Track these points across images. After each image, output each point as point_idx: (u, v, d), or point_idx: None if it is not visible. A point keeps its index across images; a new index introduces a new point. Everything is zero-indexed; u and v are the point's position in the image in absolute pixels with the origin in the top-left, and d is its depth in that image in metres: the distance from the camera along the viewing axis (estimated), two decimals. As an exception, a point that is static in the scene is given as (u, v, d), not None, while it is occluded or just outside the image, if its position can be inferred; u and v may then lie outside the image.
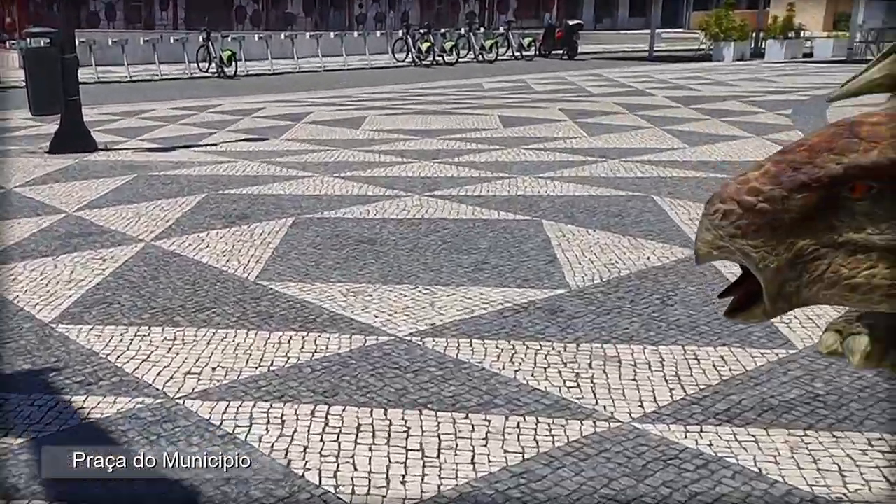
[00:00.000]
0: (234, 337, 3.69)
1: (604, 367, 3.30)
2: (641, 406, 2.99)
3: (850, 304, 2.27)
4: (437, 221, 5.67)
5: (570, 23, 26.06)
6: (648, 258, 4.72)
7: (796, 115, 10.71)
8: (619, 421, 2.88)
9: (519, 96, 14.08)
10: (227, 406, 3.04)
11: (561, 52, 24.87)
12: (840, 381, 3.18)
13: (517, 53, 24.38)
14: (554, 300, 4.08)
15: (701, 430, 2.82)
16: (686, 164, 7.54)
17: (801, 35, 23.77)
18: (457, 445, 2.75)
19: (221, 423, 2.92)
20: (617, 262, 4.65)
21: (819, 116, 10.04)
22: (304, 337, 3.67)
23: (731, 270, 4.45)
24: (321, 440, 2.80)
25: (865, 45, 21.69)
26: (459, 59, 22.99)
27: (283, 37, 23.28)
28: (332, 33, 25.02)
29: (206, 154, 8.74)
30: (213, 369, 3.36)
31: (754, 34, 24.83)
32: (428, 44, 22.71)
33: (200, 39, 20.69)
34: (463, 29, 25.19)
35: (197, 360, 3.44)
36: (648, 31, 26.40)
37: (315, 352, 3.52)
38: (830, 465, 2.62)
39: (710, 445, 2.73)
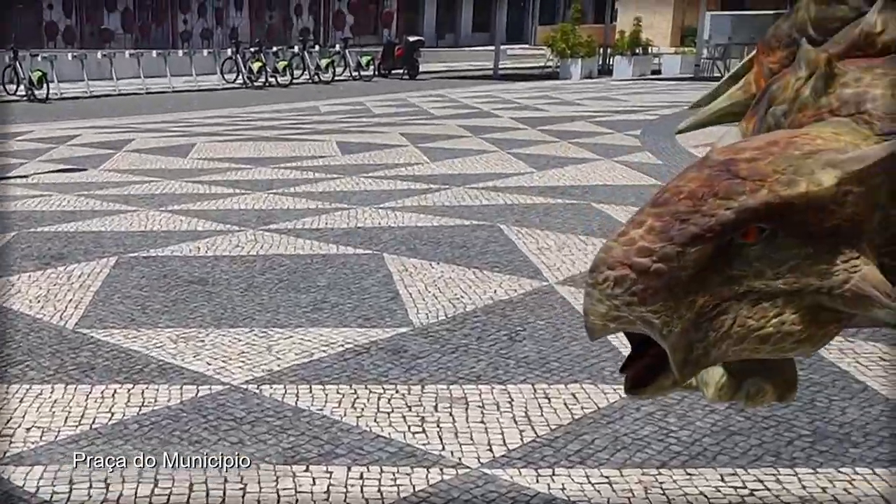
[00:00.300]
0: (52, 393, 3.60)
1: (450, 410, 3.40)
2: (490, 450, 3.10)
3: (762, 355, 2.25)
4: (272, 258, 5.67)
5: (411, 39, 26.38)
6: (495, 291, 4.88)
7: (645, 136, 11.23)
8: (468, 467, 2.98)
9: (358, 120, 14.19)
10: (44, 471, 2.96)
11: (401, 71, 25.17)
12: (693, 415, 3.37)
13: (355, 73, 24.49)
14: (397, 339, 4.17)
15: (553, 474, 2.94)
16: (533, 190, 7.81)
17: (649, 51, 24.89)
18: (296, 501, 2.78)
19: (37, 491, 2.84)
20: (462, 297, 4.79)
21: (668, 137, 10.54)
22: (129, 390, 3.61)
23: (580, 302, 4.68)
24: (149, 505, 2.77)
25: (712, 61, 22.85)
26: (294, 80, 22.91)
27: (100, 55, 22.57)
28: (154, 52, 24.41)
29: (15, 188, 8.39)
30: (28, 430, 3.26)
31: (602, 50, 25.76)
32: (259, 63, 22.52)
33: (6, 59, 19.77)
34: (297, 47, 25.09)
35: (9, 421, 3.33)
36: (493, 48, 27.00)
37: (142, 405, 3.47)
38: (684, 503, 2.78)
39: (563, 489, 2.85)
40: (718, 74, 21.93)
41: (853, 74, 2.38)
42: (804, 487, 2.85)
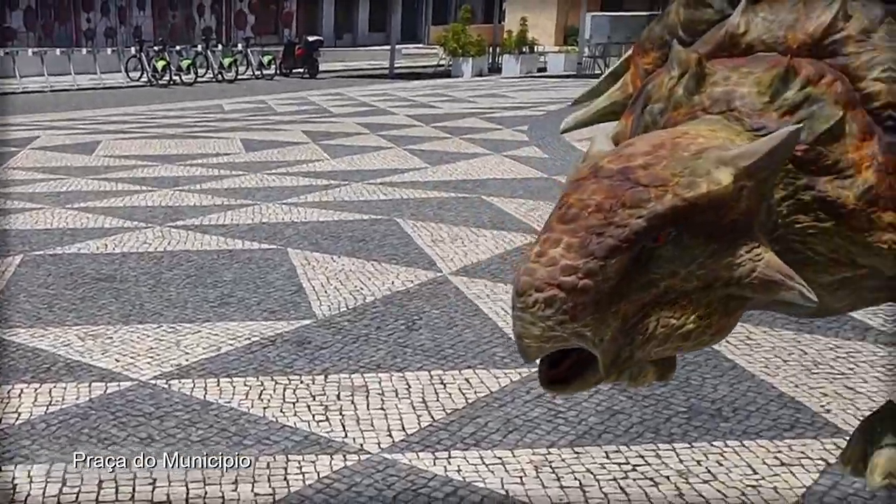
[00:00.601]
0: (-47, 396, 3.43)
1: (352, 398, 3.38)
2: (390, 435, 3.09)
3: (686, 350, 2.23)
4: (179, 254, 5.53)
5: (310, 39, 26.01)
6: (393, 283, 4.87)
7: (532, 131, 11.30)
8: (369, 452, 2.97)
9: (261, 118, 13.95)
10: (-52, 476, 2.82)
11: (302, 70, 24.82)
12: (579, 396, 3.38)
13: (258, 72, 24.08)
14: (301, 331, 4.12)
15: (449, 456, 2.95)
16: (428, 185, 7.81)
17: (535, 50, 25.01)
18: (206, 493, 2.72)
19: (-59, 496, 2.71)
20: (362, 289, 4.76)
21: (553, 132, 10.64)
22: (36, 389, 3.47)
23: (472, 291, 4.71)
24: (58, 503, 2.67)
25: (593, 59, 23.25)
26: (198, 79, 22.38)
27: (2, 53, 21.60)
28: (58, 50, 23.48)
29: (-90, 188, 7.97)
30: (-70, 435, 3.10)
31: (491, 49, 25.73)
32: (164, 62, 21.89)
33: None
34: (200, 46, 24.49)
35: None
36: (389, 47, 26.88)
37: (50, 404, 3.35)
38: (572, 480, 2.81)
39: (459, 471, 2.86)
40: (599, 71, 22.33)
41: (722, 73, 2.40)
42: (681, 461, 2.92)
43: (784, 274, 2.09)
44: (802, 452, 2.96)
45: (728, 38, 2.49)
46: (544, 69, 24.43)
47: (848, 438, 2.84)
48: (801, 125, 2.14)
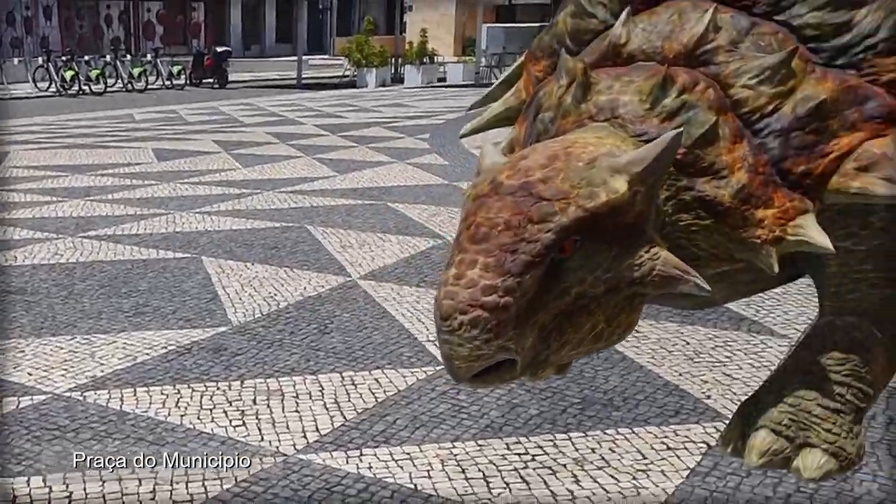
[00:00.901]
0: None
1: (268, 402, 3.35)
2: (305, 437, 3.07)
3: (598, 350, 2.27)
4: (92, 264, 5.36)
5: (219, 50, 25.44)
6: (305, 288, 4.83)
7: (433, 139, 11.33)
8: (285, 454, 2.94)
9: (172, 128, 13.61)
10: None
11: (211, 80, 24.28)
12: (480, 392, 3.41)
13: (167, 82, 23.46)
14: (217, 338, 4.05)
15: (361, 454, 2.94)
16: (336, 193, 7.76)
17: (435, 60, 25.08)
18: (124, 502, 2.65)
19: None
20: (276, 295, 4.71)
21: (453, 140, 10.69)
22: (-53, 406, 3.33)
23: (380, 294, 4.71)
24: (-26, 519, 2.57)
25: (490, 69, 23.39)
26: (108, 89, 21.66)
27: None
28: (-38, 60, 22.46)
29: None
30: None
31: (394, 60, 25.65)
32: (72, 72, 21.10)
33: None
34: (109, 56, 23.73)
35: None
36: (296, 58, 26.56)
37: (-39, 421, 3.20)
38: (476, 472, 2.83)
39: (370, 468, 2.85)
40: (495, 80, 22.47)
41: (606, 83, 2.43)
42: (577, 450, 2.97)
43: (681, 269, 2.16)
44: (687, 437, 3.05)
45: (611, 49, 2.54)
46: (444, 79, 24.50)
47: (727, 422, 2.97)
48: (680, 130, 2.20)
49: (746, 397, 2.94)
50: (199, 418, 3.21)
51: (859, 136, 2.37)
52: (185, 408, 3.29)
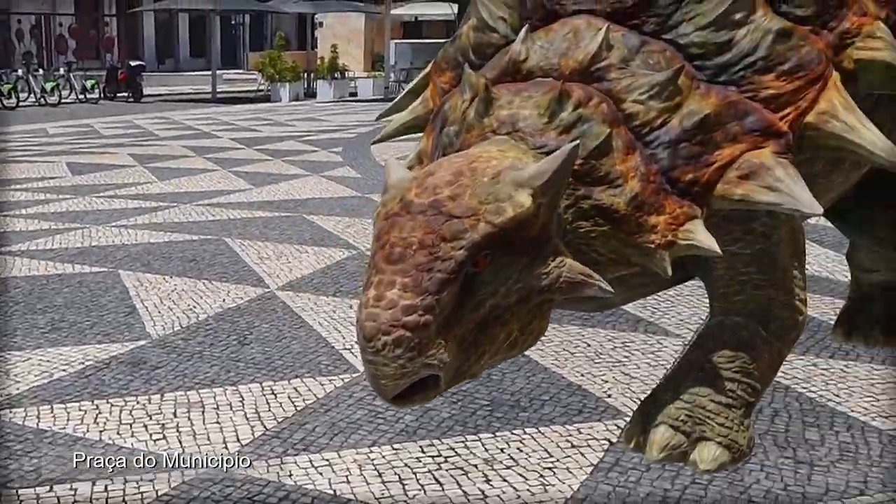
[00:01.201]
0: None
1: (188, 414, 3.26)
2: (226, 447, 3.00)
3: (514, 356, 2.28)
4: (7, 280, 5.13)
5: (133, 64, 24.63)
6: (224, 300, 4.73)
7: (346, 152, 11.20)
8: (206, 466, 2.86)
9: (86, 142, 13.11)
10: None
11: (126, 94, 23.50)
12: None
13: (81, 96, 22.56)
14: (136, 352, 3.92)
15: (281, 462, 2.89)
16: (253, 205, 7.61)
17: (346, 75, 24.80)
18: (44, 521, 2.54)
19: None
20: (195, 307, 4.59)
21: (365, 153, 10.64)
22: None
23: (298, 304, 4.64)
24: None
25: (398, 83, 23.25)
26: (20, 103, 20.69)
27: None
28: None
29: None
30: None
31: (306, 75, 25.24)
32: (-17, 87, 20.16)
33: None
34: (21, 70, 22.71)
35: None
36: (210, 72, 25.96)
37: None
38: (392, 476, 2.81)
39: (290, 475, 2.80)
40: (404, 95, 22.47)
41: (506, 98, 2.43)
42: (486, 450, 2.98)
43: (585, 274, 2.19)
44: (590, 434, 3.09)
45: (511, 65, 2.54)
46: (355, 93, 24.32)
47: (628, 419, 3.01)
48: (577, 142, 2.22)
49: (645, 395, 2.97)
50: (118, 433, 3.10)
51: (740, 148, 2.44)
52: (105, 423, 3.17)
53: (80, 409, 3.29)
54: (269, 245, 6.01)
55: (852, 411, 3.27)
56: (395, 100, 3.21)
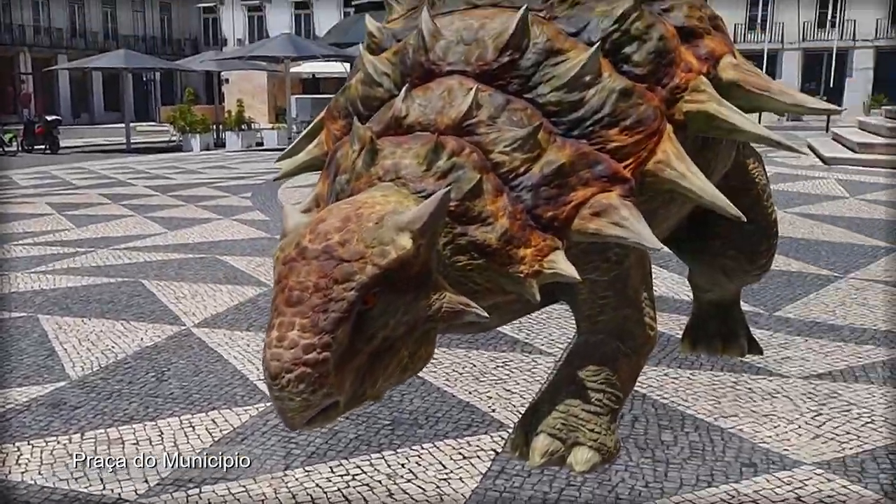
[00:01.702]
0: None
1: (108, 451, 3.08)
2: (146, 481, 2.86)
3: (407, 378, 2.23)
4: (-75, 330, 4.75)
5: (49, 119, 23.45)
6: (142, 339, 4.52)
7: (254, 197, 10.94)
8: (127, 501, 2.72)
9: (4, 192, 12.32)
10: None
11: (43, 146, 22.30)
12: None
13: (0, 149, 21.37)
14: (56, 394, 3.69)
15: (200, 492, 2.78)
16: (168, 248, 7.32)
17: (252, 127, 24.33)
18: (-33, 565, 2.35)
19: None
20: (113, 347, 4.37)
21: (272, 197, 10.41)
22: None
23: (213, 340, 4.49)
24: None
25: (299, 134, 23.09)
26: (-63, 156, 19.42)
27: None
28: None
29: None
30: None
31: (215, 126, 24.69)
32: None
33: None
34: (-62, 125, 21.27)
35: None
36: (123, 125, 25.05)
37: None
38: (305, 496, 2.75)
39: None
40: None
41: (390, 149, 2.44)
42: (389, 466, 2.96)
43: (463, 303, 2.22)
44: (479, 446, 3.11)
45: (394, 120, 2.58)
46: (262, 143, 23.85)
47: (511, 430, 3.07)
48: (450, 187, 2.25)
49: (525, 408, 3.03)
50: (40, 474, 2.90)
51: (592, 191, 2.53)
52: (26, 465, 2.97)
53: (1, 452, 3.06)
54: (184, 285, 5.80)
55: (699, 414, 3.39)
56: (293, 143, 3.21)
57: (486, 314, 2.24)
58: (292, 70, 26.34)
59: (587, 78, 2.57)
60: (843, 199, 9.42)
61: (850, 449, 3.05)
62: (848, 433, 3.19)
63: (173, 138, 23.77)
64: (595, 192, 2.52)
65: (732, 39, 3.20)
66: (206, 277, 6.07)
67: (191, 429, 3.30)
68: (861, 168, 12.35)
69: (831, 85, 35.18)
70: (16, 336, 4.59)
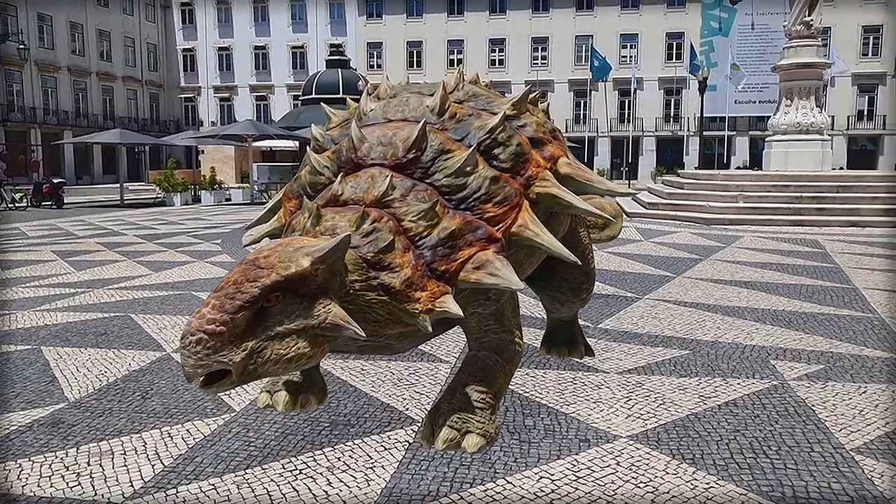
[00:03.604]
0: None
1: (100, 462, 2.81)
2: (132, 485, 2.61)
3: (291, 370, 2.22)
4: (-59, 363, 4.22)
5: (55, 181, 21.73)
6: (130, 364, 4.18)
7: (224, 243, 10.48)
8: (115, 503, 2.47)
9: (15, 242, 11.28)
10: None
11: (50, 203, 20.63)
12: (263, 427, 3.15)
13: (11, 206, 19.55)
14: (56, 414, 3.34)
15: (177, 492, 2.56)
16: (153, 287, 6.85)
17: (222, 187, 23.51)
18: (-29, 573, 2.06)
19: None
20: (106, 372, 4.01)
21: (238, 243, 10.03)
22: None
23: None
24: None
25: (261, 192, 22.61)
26: (-42, 211, 17.54)
27: None
28: None
29: None
30: None
31: (193, 186, 23.60)
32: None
33: None
34: (-41, 186, 19.23)
35: None
36: (118, 185, 23.50)
37: None
38: (262, 490, 2.58)
39: (185, 502, 2.49)
40: (264, 201, 21.63)
41: (330, 215, 2.50)
42: (328, 460, 2.83)
43: (345, 320, 2.24)
44: (397, 439, 3.02)
45: (333, 197, 2.63)
46: (230, 199, 23.01)
47: (420, 424, 3.01)
48: (349, 234, 2.30)
49: (431, 406, 3.00)
50: (38, 486, 2.60)
51: (474, 249, 2.59)
52: (26, 479, 2.66)
53: (3, 470, 2.73)
54: (166, 317, 5.43)
55: (550, 403, 3.42)
56: (260, 215, 3.19)
57: (361, 332, 2.23)
58: (254, 144, 25.66)
59: (469, 168, 2.64)
60: (640, 242, 9.92)
61: (651, 424, 3.14)
62: (649, 412, 3.28)
63: (159, 196, 22.59)
64: (477, 250, 2.58)
65: (564, 130, 3.38)
66: (183, 310, 5.70)
67: (169, 439, 3.05)
68: (651, 220, 13.18)
69: (630, 161, 38.04)
70: (21, 366, 4.15)
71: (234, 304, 2.00)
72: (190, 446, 2.96)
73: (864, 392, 3.57)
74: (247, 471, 2.73)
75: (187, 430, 3.14)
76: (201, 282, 7.13)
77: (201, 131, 37.08)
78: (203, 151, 31.34)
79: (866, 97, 37.40)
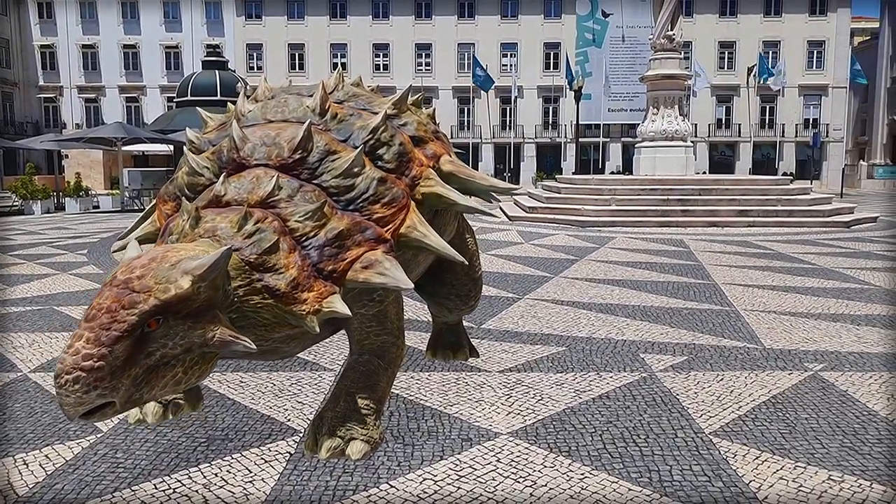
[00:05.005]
0: None
1: None
2: None
3: (180, 390, 2.11)
4: None
5: None
6: None
7: (91, 253, 9.61)
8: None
9: None
10: None
11: None
12: (133, 446, 2.98)
13: None
14: None
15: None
16: (7, 303, 6.08)
17: (90, 193, 21.45)
18: None
19: None
20: None
21: (106, 254, 9.23)
22: None
23: (48, 383, 3.84)
24: None
25: (132, 199, 20.96)
26: None
27: None
28: None
29: None
30: None
31: (56, 193, 21.36)
32: None
33: None
34: None
35: None
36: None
37: None
38: (228, 494, 2.47)
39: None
40: (136, 208, 20.13)
41: (210, 217, 2.43)
42: (205, 477, 2.73)
43: (233, 336, 2.19)
44: (277, 451, 2.96)
45: (215, 198, 2.56)
46: (98, 206, 21.06)
47: (303, 434, 2.99)
48: (230, 247, 2.23)
49: (314, 415, 2.97)
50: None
51: (362, 249, 2.63)
52: None
53: None
54: (21, 335, 4.91)
55: (434, 405, 3.46)
56: (133, 223, 3.01)
57: (252, 346, 2.21)
58: (125, 148, 23.72)
59: (356, 169, 2.68)
60: (521, 244, 10.40)
61: (530, 420, 3.21)
62: (528, 409, 3.37)
63: (15, 203, 20.17)
64: (365, 250, 2.61)
65: (450, 136, 3.54)
66: (42, 327, 5.19)
67: (24, 466, 2.80)
68: (531, 223, 13.86)
69: (512, 166, 39.82)
70: None
71: (110, 335, 1.89)
72: (49, 473, 2.74)
73: (722, 380, 3.69)
74: (114, 494, 2.57)
75: (46, 456, 2.89)
76: (64, 295, 6.50)
77: (64, 134, 33.70)
78: (67, 156, 28.44)
79: (724, 107, 40.80)
